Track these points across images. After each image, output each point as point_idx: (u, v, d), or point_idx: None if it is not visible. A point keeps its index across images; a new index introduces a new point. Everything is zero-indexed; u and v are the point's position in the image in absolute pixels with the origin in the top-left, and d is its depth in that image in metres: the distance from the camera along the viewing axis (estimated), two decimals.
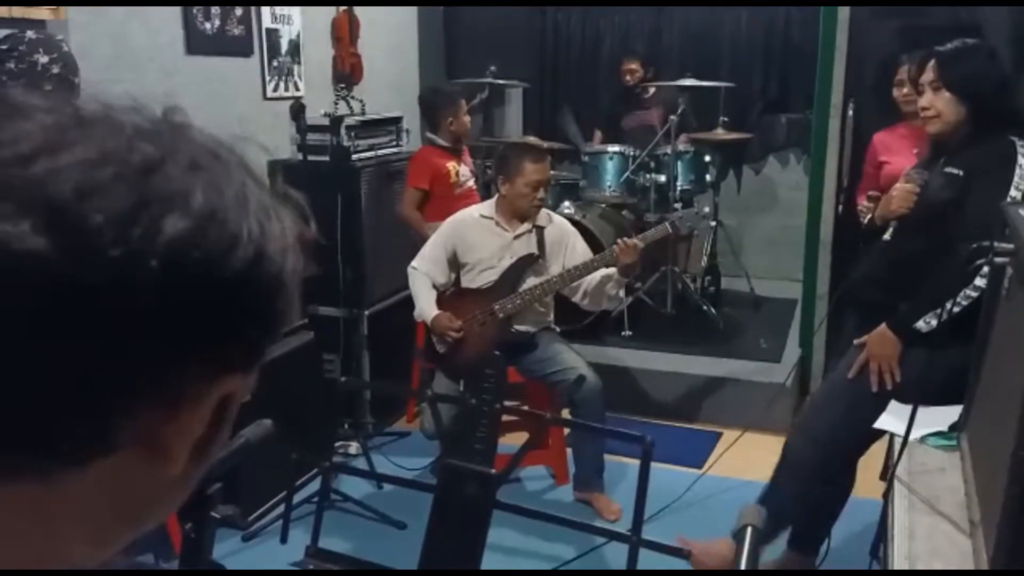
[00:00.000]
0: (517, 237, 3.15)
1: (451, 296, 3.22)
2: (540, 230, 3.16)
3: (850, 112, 3.82)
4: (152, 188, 0.40)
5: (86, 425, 0.40)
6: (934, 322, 2.10)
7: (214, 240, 0.41)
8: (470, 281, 3.19)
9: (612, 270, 3.01)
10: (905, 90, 3.08)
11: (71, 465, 0.40)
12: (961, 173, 2.14)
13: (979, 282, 2.00)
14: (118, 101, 0.44)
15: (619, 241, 2.98)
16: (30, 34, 2.36)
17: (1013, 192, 2.04)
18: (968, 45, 2.23)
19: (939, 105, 2.19)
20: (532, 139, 4.81)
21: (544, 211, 3.25)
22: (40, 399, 0.38)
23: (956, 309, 2.03)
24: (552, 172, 4.84)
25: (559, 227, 3.22)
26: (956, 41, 2.24)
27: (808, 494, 2.46)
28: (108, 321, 0.38)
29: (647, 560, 1.65)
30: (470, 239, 3.18)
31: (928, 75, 2.22)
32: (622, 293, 3.27)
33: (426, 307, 3.15)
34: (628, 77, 4.91)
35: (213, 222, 0.41)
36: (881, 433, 2.21)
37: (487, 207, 3.22)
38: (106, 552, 0.46)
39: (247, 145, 0.48)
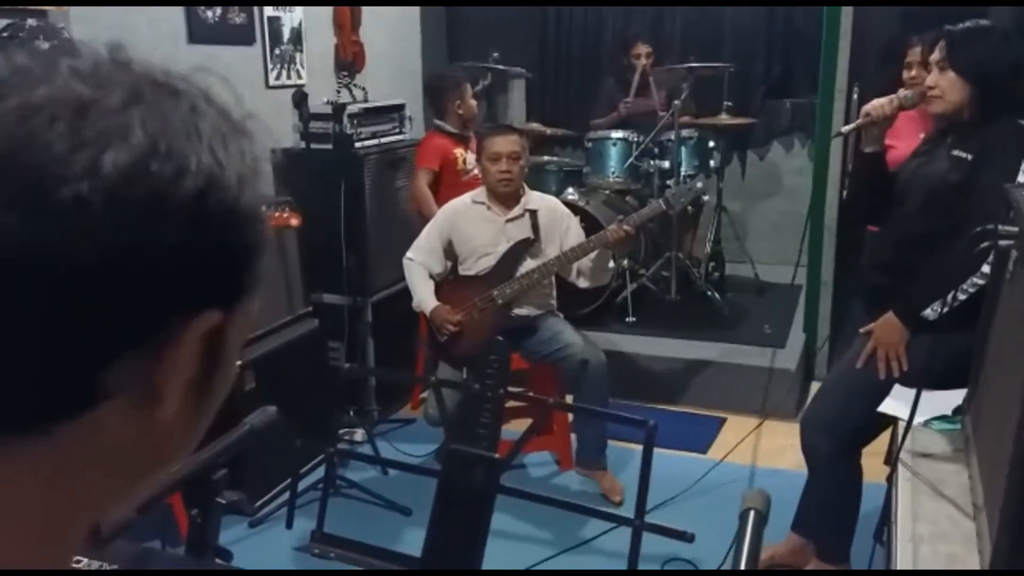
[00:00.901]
0: (510, 220, 3.15)
1: (449, 284, 3.23)
2: (533, 214, 3.15)
3: (855, 96, 3.80)
4: (87, 128, 0.39)
5: (61, 380, 0.39)
6: (941, 309, 2.09)
7: (157, 173, 0.39)
8: (468, 268, 3.19)
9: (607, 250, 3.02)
10: (913, 72, 3.06)
11: (62, 420, 0.40)
12: (969, 157, 2.12)
13: (986, 269, 1.99)
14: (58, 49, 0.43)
15: (612, 226, 2.98)
16: (31, 22, 2.36)
17: (1021, 177, 2.02)
18: (980, 26, 2.20)
19: (944, 85, 2.17)
20: (535, 126, 4.81)
21: (535, 194, 3.24)
22: (9, 361, 0.38)
23: (962, 297, 2.03)
24: (555, 158, 4.86)
25: (552, 209, 3.21)
26: (969, 21, 2.21)
27: (822, 486, 2.46)
28: (62, 270, 0.37)
29: (651, 543, 1.65)
30: (464, 227, 3.18)
31: (936, 55, 2.20)
32: (612, 263, 3.25)
33: (424, 298, 3.15)
34: (637, 61, 4.86)
35: (156, 155, 0.40)
36: (890, 422, 2.21)
37: (479, 193, 3.22)
38: (131, 494, 0.47)
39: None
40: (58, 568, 0.43)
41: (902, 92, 2.32)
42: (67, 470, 0.42)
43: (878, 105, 2.30)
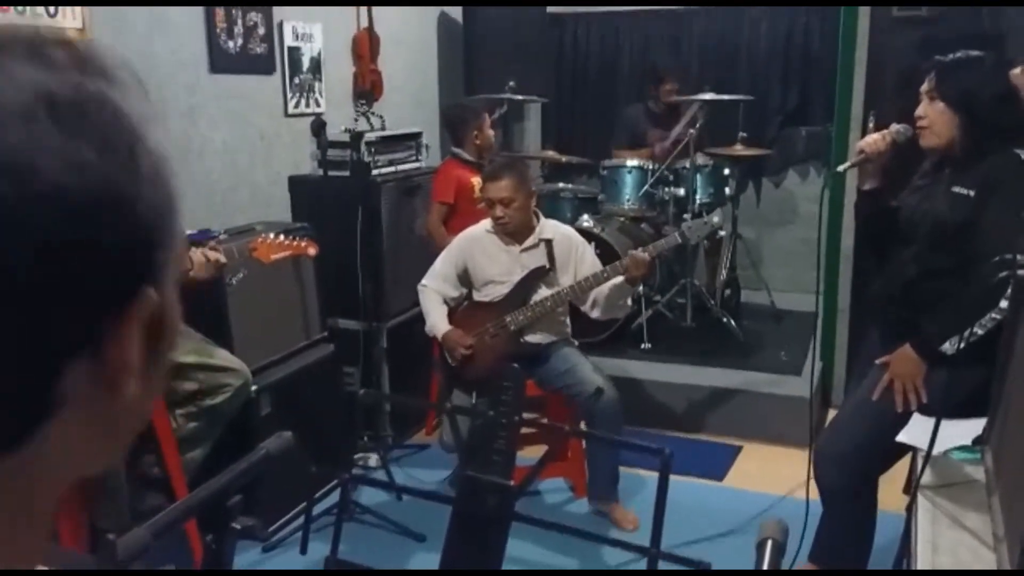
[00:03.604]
0: (525, 250, 3.16)
1: (464, 310, 3.24)
2: (548, 243, 3.16)
3: (870, 124, 3.80)
4: None
5: (11, 401, 0.40)
6: (960, 344, 2.07)
7: (54, 169, 0.39)
8: (482, 295, 3.20)
9: (621, 279, 3.01)
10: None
11: (27, 435, 0.41)
12: (972, 193, 2.11)
13: (1004, 304, 1.98)
14: None
15: (629, 254, 2.98)
16: (90, 46, 2.41)
17: None
18: (970, 57, 2.19)
19: (932, 116, 2.17)
20: (550, 154, 4.84)
21: (551, 223, 3.25)
22: None
23: (980, 332, 2.01)
24: (570, 185, 4.88)
25: (567, 238, 3.22)
26: (960, 52, 2.21)
27: (836, 516, 2.43)
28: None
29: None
30: (480, 255, 3.19)
31: (926, 85, 2.21)
32: (630, 301, 3.25)
33: (437, 323, 3.16)
34: (668, 97, 4.88)
35: (54, 152, 0.39)
36: (905, 452, 2.18)
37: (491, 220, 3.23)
38: (97, 471, 0.47)
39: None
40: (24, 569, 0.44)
41: (894, 127, 2.31)
42: (30, 477, 0.42)
43: (872, 141, 2.31)
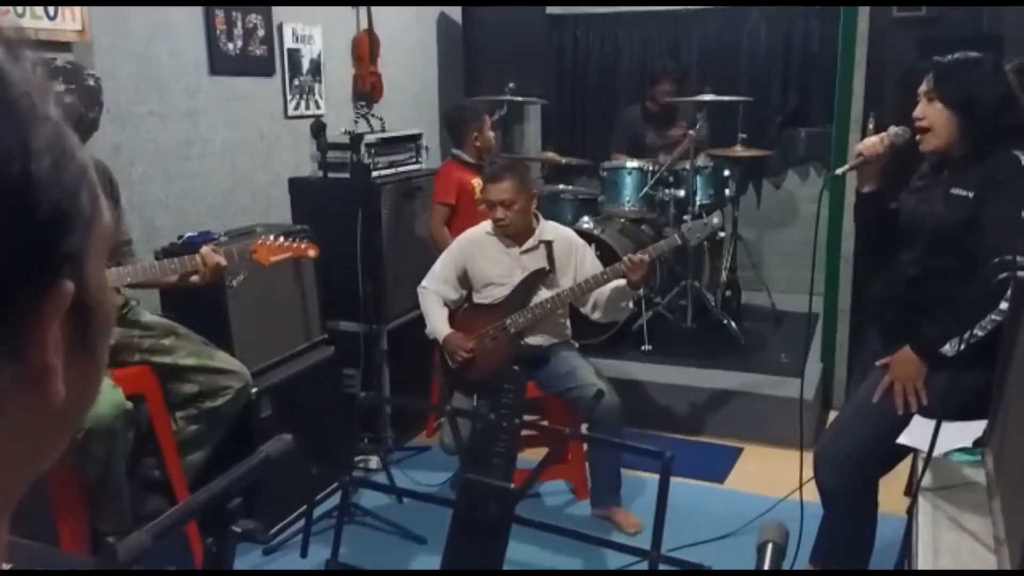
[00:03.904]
0: (525, 252, 3.16)
1: (464, 312, 3.24)
2: (548, 244, 3.16)
3: (870, 125, 3.80)
4: None
5: None
6: (960, 346, 2.07)
7: None
8: (482, 297, 3.20)
9: (622, 281, 3.01)
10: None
11: None
12: (970, 195, 2.11)
13: (1004, 306, 1.98)
14: None
15: (628, 257, 2.97)
16: (58, 62, 2.41)
17: None
18: (969, 58, 2.19)
19: (931, 117, 2.17)
20: (550, 155, 4.84)
21: (550, 225, 3.25)
22: None
23: (980, 333, 2.01)
24: (570, 187, 4.88)
25: (567, 239, 3.22)
26: (959, 53, 2.21)
27: (837, 518, 2.43)
28: None
29: None
30: (479, 257, 3.19)
31: (924, 86, 2.21)
32: (631, 304, 3.25)
33: (438, 325, 3.16)
34: (662, 98, 4.88)
35: None
36: (906, 453, 2.18)
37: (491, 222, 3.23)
38: (42, 467, 0.44)
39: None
40: None
41: (893, 129, 2.31)
42: None
43: (870, 144, 2.31)
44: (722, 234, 4.60)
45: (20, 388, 0.39)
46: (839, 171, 2.45)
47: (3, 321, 0.38)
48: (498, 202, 3.06)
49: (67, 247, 0.40)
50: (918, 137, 2.23)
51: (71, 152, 0.40)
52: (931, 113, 2.18)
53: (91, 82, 2.39)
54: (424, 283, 3.25)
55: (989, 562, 1.47)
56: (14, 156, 0.37)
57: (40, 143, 0.38)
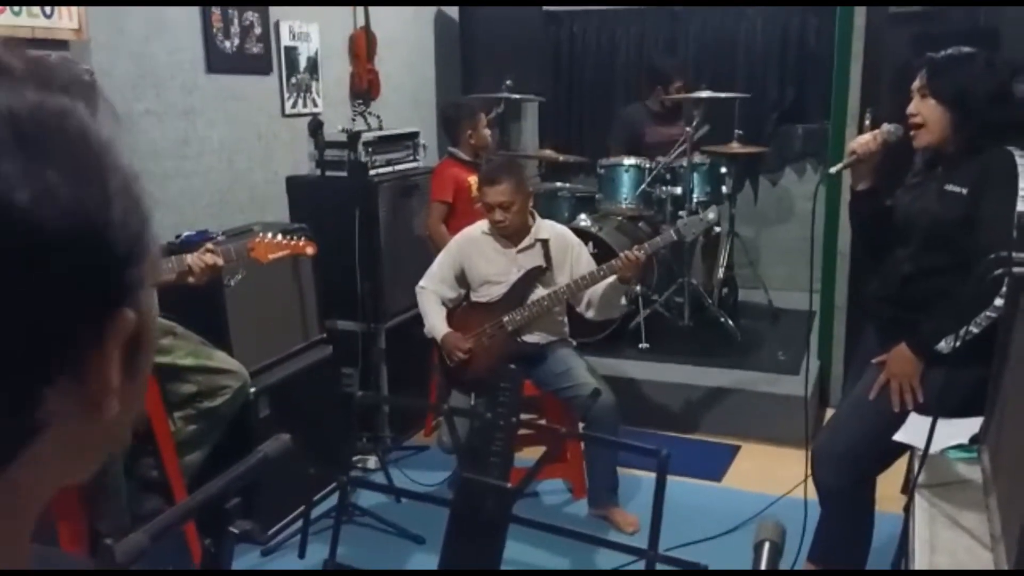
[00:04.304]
0: (521, 251, 3.16)
1: (461, 311, 3.24)
2: (544, 243, 3.16)
3: (867, 121, 3.81)
4: None
5: None
6: (955, 343, 2.08)
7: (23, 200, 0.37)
8: (480, 296, 3.20)
9: (615, 278, 3.01)
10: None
11: (9, 459, 0.41)
12: (964, 191, 2.12)
13: (998, 302, 1.98)
14: None
15: (624, 253, 2.97)
16: (52, 59, 2.40)
17: (1021, 206, 2.02)
18: (963, 53, 2.19)
19: (925, 112, 2.17)
20: (548, 152, 4.84)
21: (546, 223, 3.25)
22: None
23: (976, 330, 2.01)
24: (567, 184, 4.88)
25: (562, 237, 3.22)
26: (952, 49, 2.21)
27: (834, 516, 2.43)
28: None
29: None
30: (476, 256, 3.19)
31: (918, 82, 2.21)
32: (624, 301, 3.25)
33: (436, 324, 3.16)
34: (679, 94, 4.86)
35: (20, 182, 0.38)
36: (903, 451, 2.18)
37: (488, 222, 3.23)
38: (89, 472, 0.47)
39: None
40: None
41: (885, 127, 2.31)
42: (12, 495, 0.43)
43: (863, 142, 2.31)
44: (717, 229, 4.60)
45: (81, 408, 0.42)
46: (833, 170, 2.45)
47: (72, 348, 0.41)
48: (496, 204, 3.06)
49: (130, 279, 0.43)
50: (912, 133, 2.24)
51: (139, 197, 0.44)
52: (925, 109, 2.18)
53: (87, 77, 2.39)
54: (422, 283, 3.25)
55: (986, 559, 1.48)
56: (96, 206, 0.41)
57: (115, 189, 0.42)
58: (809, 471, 2.43)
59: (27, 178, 0.38)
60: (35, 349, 0.39)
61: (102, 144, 0.42)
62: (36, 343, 0.39)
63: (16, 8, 2.65)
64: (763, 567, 1.19)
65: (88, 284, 0.41)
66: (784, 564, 1.32)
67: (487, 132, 3.94)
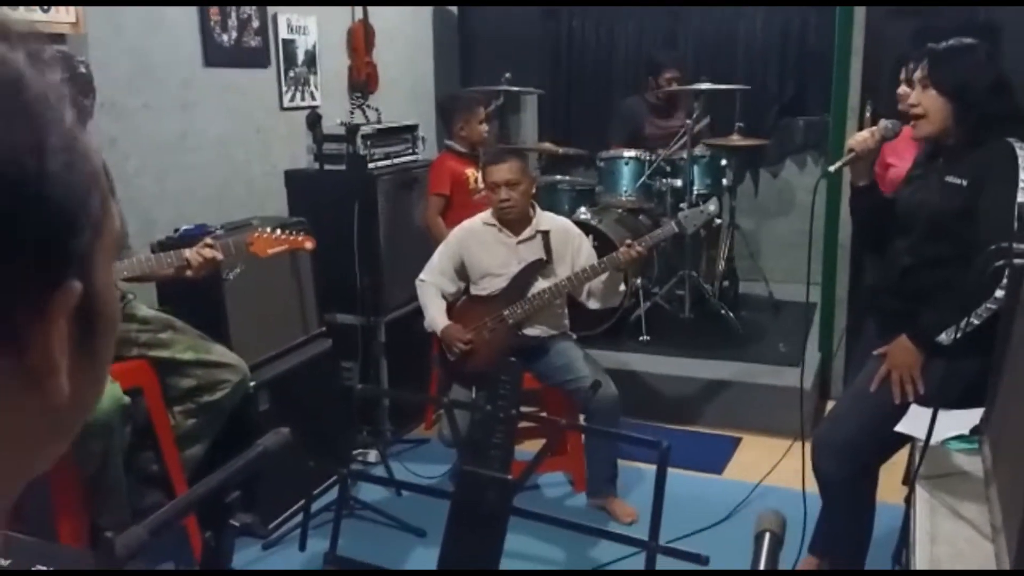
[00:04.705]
0: (522, 242, 3.16)
1: (462, 304, 3.24)
2: (545, 235, 3.16)
3: (867, 113, 3.80)
4: None
5: None
6: (956, 334, 2.08)
7: None
8: (480, 289, 3.20)
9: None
10: (901, 89, 3.08)
11: None
12: (964, 183, 2.12)
13: (999, 293, 1.98)
14: None
15: (623, 247, 2.97)
16: (49, 51, 2.40)
17: (1021, 197, 2.02)
18: (963, 44, 2.20)
19: (926, 103, 2.18)
20: (547, 145, 4.83)
21: (547, 214, 3.24)
22: None
23: (976, 321, 2.01)
24: (567, 178, 4.87)
25: (563, 229, 3.21)
26: (952, 40, 2.21)
27: (835, 508, 2.43)
28: None
29: (665, 566, 1.64)
30: (477, 249, 3.18)
31: (919, 73, 2.21)
32: (623, 287, 3.24)
33: (436, 317, 3.16)
34: (668, 85, 4.86)
35: None
36: (904, 442, 2.18)
37: (491, 214, 3.23)
38: (37, 470, 0.44)
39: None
40: None
41: (883, 123, 2.31)
42: None
43: (861, 140, 2.31)
44: (718, 221, 4.59)
45: (21, 385, 0.40)
46: (832, 168, 2.44)
47: (8, 316, 0.38)
48: (503, 183, 3.05)
49: (76, 247, 0.40)
50: (912, 124, 2.23)
51: (84, 154, 0.41)
52: (926, 100, 2.18)
53: (83, 69, 2.39)
54: (422, 276, 3.24)
55: (987, 550, 1.47)
56: (29, 153, 0.38)
57: (55, 142, 0.39)
58: (809, 462, 2.43)
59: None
60: None
61: (40, 95, 0.40)
62: None
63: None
64: (764, 558, 1.18)
65: (24, 242, 0.38)
66: (787, 557, 1.31)
67: (483, 127, 3.90)
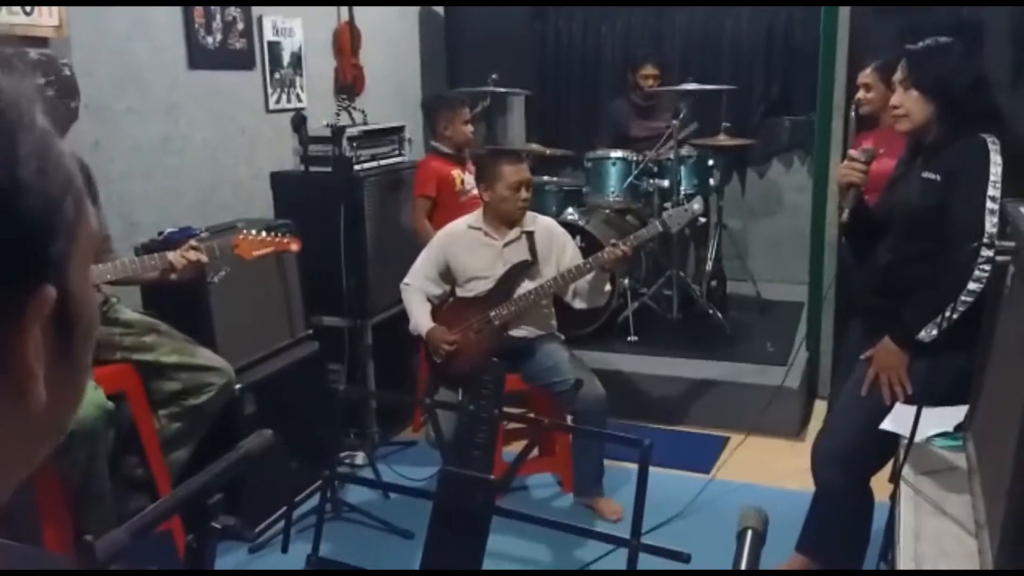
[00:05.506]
0: (507, 244, 3.16)
1: (449, 306, 3.23)
2: (530, 235, 3.16)
3: (852, 113, 3.81)
4: None
5: None
6: (935, 331, 2.09)
7: None
8: (466, 291, 3.19)
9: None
10: (859, 94, 3.19)
11: None
12: (938, 178, 2.13)
13: (973, 286, 2.00)
14: None
15: (608, 247, 2.97)
16: (32, 55, 2.38)
17: (991, 191, 2.03)
18: (940, 44, 2.21)
19: (908, 104, 2.19)
20: (535, 146, 4.83)
21: (529, 214, 3.24)
22: None
23: (954, 316, 2.02)
24: (555, 179, 4.87)
25: (548, 230, 3.22)
26: (929, 39, 2.23)
27: (835, 514, 2.43)
28: None
29: (648, 565, 1.63)
30: (461, 252, 3.18)
31: (899, 74, 2.23)
32: (608, 287, 3.26)
33: (420, 320, 3.15)
34: (646, 83, 4.88)
35: None
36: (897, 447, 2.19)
37: (475, 217, 3.22)
38: (18, 478, 0.44)
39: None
40: None
41: (861, 152, 2.33)
42: None
43: (845, 174, 2.32)
44: (703, 220, 4.60)
45: None
46: (844, 217, 2.38)
47: None
48: (526, 182, 3.13)
49: (49, 253, 0.40)
50: (893, 116, 2.26)
51: (57, 160, 0.41)
52: (908, 101, 2.20)
53: (67, 71, 2.38)
54: (406, 280, 3.24)
55: (970, 546, 1.48)
56: (0, 161, 0.38)
57: (26, 149, 0.39)
58: (797, 461, 2.43)
59: None
60: None
61: (11, 102, 0.39)
62: None
63: None
64: (745, 556, 1.18)
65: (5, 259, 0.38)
66: (774, 556, 1.31)
67: (467, 128, 3.88)
